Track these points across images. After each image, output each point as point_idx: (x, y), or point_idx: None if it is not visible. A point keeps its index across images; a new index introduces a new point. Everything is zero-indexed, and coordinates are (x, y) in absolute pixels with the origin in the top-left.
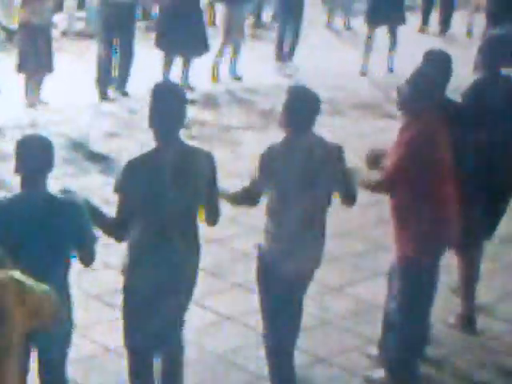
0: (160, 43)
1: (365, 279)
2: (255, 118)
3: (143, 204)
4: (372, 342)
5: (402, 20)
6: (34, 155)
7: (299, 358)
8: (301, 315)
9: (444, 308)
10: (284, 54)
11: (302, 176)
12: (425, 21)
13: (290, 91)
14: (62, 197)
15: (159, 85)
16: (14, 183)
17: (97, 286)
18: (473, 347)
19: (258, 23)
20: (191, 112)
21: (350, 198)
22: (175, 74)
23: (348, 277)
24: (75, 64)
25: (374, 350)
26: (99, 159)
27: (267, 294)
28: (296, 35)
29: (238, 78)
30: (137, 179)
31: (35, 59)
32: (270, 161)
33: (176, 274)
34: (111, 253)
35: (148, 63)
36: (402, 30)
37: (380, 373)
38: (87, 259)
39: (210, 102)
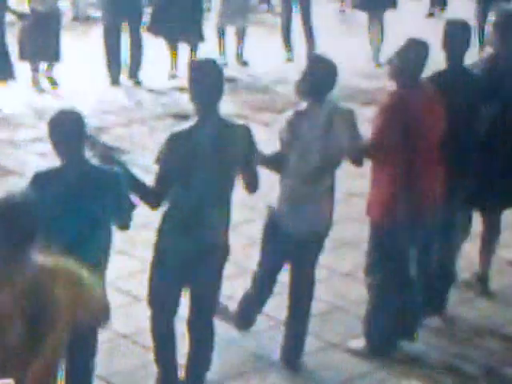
0: (152, 28)
1: None
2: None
3: (182, 175)
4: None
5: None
6: (68, 127)
7: (312, 344)
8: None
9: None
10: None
11: (321, 140)
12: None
13: (311, 59)
14: (100, 165)
15: (199, 60)
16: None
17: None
18: None
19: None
20: None
21: (359, 160)
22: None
23: (361, 262)
24: (86, 49)
25: None
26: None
27: (269, 252)
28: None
29: (245, 64)
30: (177, 151)
31: (36, 47)
32: (295, 124)
33: (208, 244)
34: (125, 240)
35: (155, 51)
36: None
37: (360, 342)
38: (124, 226)
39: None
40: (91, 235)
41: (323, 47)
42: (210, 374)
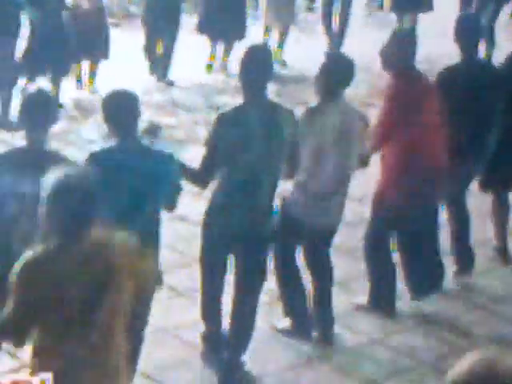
0: (202, 28)
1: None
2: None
3: (230, 156)
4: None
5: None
6: (124, 106)
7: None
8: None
9: None
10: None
11: (336, 135)
12: None
13: (328, 57)
14: (153, 145)
15: (252, 46)
16: None
17: None
18: None
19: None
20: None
21: (366, 161)
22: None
23: (354, 271)
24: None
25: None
26: None
27: (282, 242)
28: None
29: (283, 64)
30: (227, 131)
31: (82, 45)
32: (310, 117)
33: (254, 223)
34: (166, 233)
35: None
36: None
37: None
38: (172, 207)
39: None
40: (142, 213)
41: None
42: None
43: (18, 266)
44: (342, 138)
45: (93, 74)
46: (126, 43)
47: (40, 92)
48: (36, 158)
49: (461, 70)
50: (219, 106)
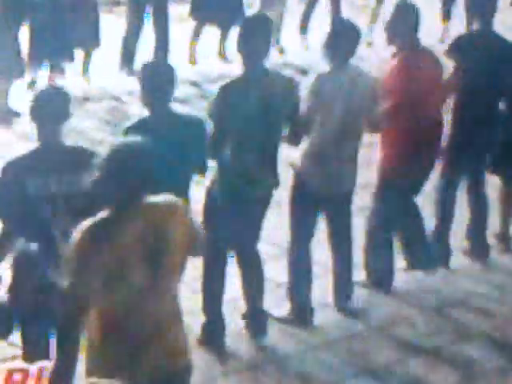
0: (195, 14)
1: None
2: None
3: (234, 125)
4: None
5: None
6: (162, 76)
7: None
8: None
9: None
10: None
11: (345, 101)
12: None
13: (335, 23)
14: (186, 114)
15: (251, 16)
16: None
17: None
18: None
19: None
20: None
21: (376, 125)
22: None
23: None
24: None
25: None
26: None
27: (297, 210)
28: None
29: (281, 51)
30: (228, 102)
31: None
32: (319, 86)
33: (256, 190)
34: None
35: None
36: None
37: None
38: (203, 171)
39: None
40: (178, 180)
41: None
42: None
43: (76, 235)
44: (351, 104)
45: (86, 63)
46: (120, 30)
47: (52, 88)
48: (54, 157)
49: (476, 39)
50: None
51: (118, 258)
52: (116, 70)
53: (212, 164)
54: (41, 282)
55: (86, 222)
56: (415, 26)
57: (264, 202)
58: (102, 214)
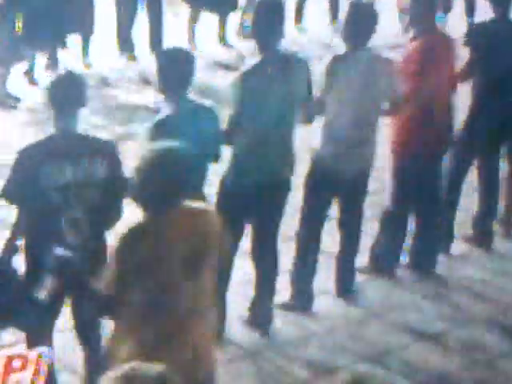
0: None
1: None
2: None
3: (253, 110)
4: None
5: None
6: (181, 65)
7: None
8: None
9: None
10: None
11: (362, 83)
12: None
13: (351, 4)
14: (200, 103)
15: (264, 1)
16: None
17: None
18: None
19: None
20: None
21: (395, 108)
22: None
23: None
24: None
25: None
26: None
27: (312, 194)
28: None
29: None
30: (247, 88)
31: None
32: (334, 68)
33: (273, 176)
34: None
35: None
36: None
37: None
38: (217, 159)
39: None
40: (198, 168)
41: None
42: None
43: (116, 238)
44: (367, 86)
45: (84, 48)
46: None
47: (69, 74)
48: (71, 145)
49: (492, 28)
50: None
51: (154, 261)
52: (116, 56)
53: (226, 151)
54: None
55: (125, 226)
56: (434, 10)
57: (282, 189)
58: (140, 218)
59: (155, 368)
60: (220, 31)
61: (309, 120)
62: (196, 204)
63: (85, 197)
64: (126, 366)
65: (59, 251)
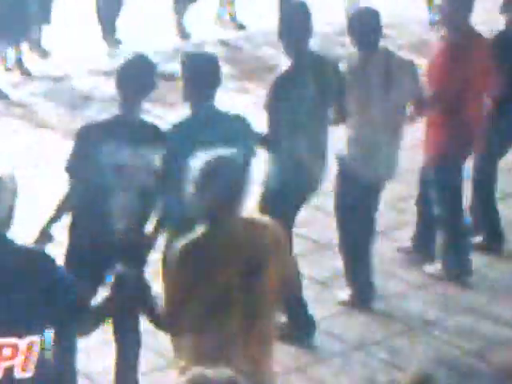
0: None
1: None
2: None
3: (290, 114)
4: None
5: None
6: (207, 69)
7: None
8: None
9: None
10: None
11: (381, 85)
12: None
13: (355, 12)
14: (225, 111)
15: (291, 3)
16: None
17: None
18: None
19: None
20: None
21: (421, 110)
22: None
23: (392, 221)
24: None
25: None
26: None
27: (343, 198)
28: None
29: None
30: (283, 93)
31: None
32: (352, 68)
33: (310, 178)
34: None
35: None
36: None
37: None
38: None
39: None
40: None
41: None
42: None
43: (175, 252)
44: (389, 87)
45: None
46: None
47: (139, 57)
48: (132, 129)
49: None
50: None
51: (213, 273)
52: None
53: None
54: None
55: (185, 240)
56: (469, 8)
57: (315, 191)
58: (199, 230)
59: (225, 372)
60: (230, 13)
61: (341, 120)
62: (256, 216)
63: (137, 182)
64: (195, 371)
65: (120, 268)
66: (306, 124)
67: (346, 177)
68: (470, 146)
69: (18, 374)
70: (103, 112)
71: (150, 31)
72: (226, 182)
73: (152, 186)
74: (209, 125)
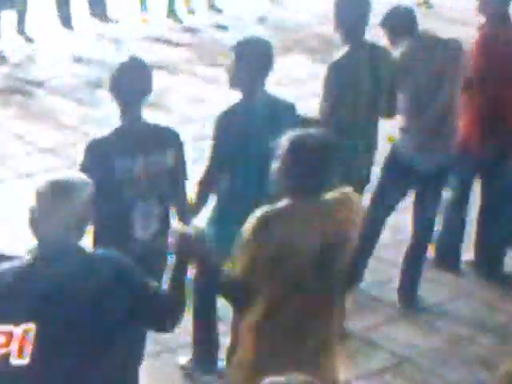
0: None
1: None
2: None
3: (346, 100)
4: None
5: None
6: (257, 57)
7: None
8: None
9: None
10: None
11: (435, 74)
12: None
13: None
14: (280, 99)
15: None
16: None
17: None
18: None
19: None
20: None
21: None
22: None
23: None
24: None
25: None
26: None
27: (386, 182)
28: None
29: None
30: (340, 79)
31: None
32: (408, 59)
33: (360, 169)
34: None
35: None
36: None
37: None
38: None
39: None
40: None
41: None
42: None
43: (251, 224)
44: (440, 77)
45: (20, 24)
46: None
47: (134, 59)
48: (141, 135)
49: None
50: None
51: (289, 250)
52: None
53: None
54: None
55: (263, 210)
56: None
57: (366, 181)
58: (280, 204)
59: (303, 378)
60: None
61: (393, 113)
62: (339, 192)
63: (155, 188)
64: (268, 380)
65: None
66: (358, 113)
67: (393, 162)
68: (500, 141)
69: (15, 360)
70: None
71: None
72: (317, 157)
73: (170, 189)
74: (263, 109)
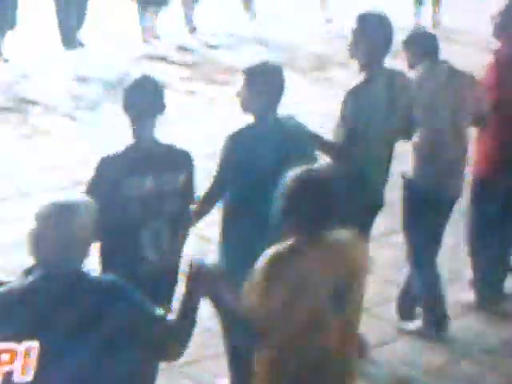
0: None
1: None
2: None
3: (365, 126)
4: None
5: None
6: (271, 80)
7: None
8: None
9: None
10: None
11: (446, 100)
12: None
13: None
14: (291, 121)
15: (365, 12)
16: None
17: None
18: None
19: None
20: None
21: (481, 121)
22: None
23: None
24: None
25: None
26: None
27: (417, 220)
28: None
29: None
30: (360, 105)
31: None
32: (420, 82)
33: (375, 195)
34: None
35: None
36: None
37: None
38: None
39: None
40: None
41: None
42: None
43: (263, 263)
44: (452, 102)
45: None
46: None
47: (147, 77)
48: (153, 155)
49: None
50: None
51: (299, 291)
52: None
53: None
54: None
55: (274, 249)
56: None
57: (380, 207)
58: (288, 243)
59: None
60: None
61: (409, 137)
62: (345, 234)
63: (165, 208)
64: None
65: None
66: (375, 138)
67: (419, 199)
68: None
69: (18, 378)
70: None
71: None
72: (325, 194)
73: (180, 209)
74: (274, 134)
